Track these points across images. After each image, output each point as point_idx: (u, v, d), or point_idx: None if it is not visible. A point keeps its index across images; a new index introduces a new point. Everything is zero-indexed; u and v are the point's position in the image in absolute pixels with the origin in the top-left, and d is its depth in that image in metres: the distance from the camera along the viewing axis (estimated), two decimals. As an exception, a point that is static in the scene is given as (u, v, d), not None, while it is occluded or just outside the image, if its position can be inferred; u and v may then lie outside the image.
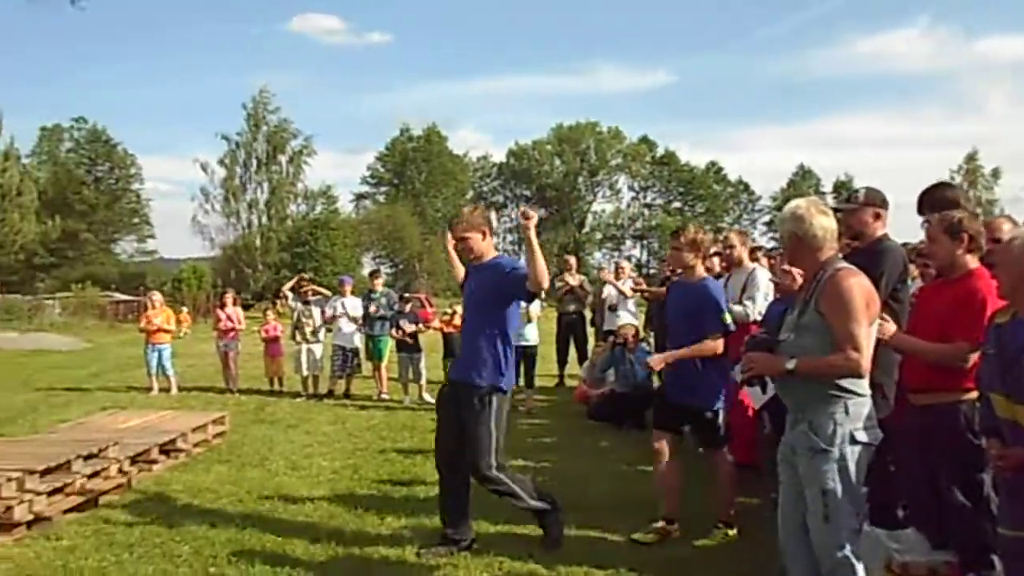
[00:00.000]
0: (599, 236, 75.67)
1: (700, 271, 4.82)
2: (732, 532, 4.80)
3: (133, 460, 6.32)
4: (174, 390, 11.96)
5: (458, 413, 4.48)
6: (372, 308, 11.02)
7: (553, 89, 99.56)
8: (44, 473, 5.16)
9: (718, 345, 4.65)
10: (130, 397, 11.52)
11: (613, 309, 10.65)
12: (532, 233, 4.14)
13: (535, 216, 4.26)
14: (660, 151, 75.59)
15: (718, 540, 4.76)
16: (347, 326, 11.29)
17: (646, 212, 75.59)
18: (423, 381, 10.76)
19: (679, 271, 5.25)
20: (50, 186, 50.26)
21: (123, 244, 63.72)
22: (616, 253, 70.26)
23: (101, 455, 5.84)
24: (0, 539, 4.73)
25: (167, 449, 6.94)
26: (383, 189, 74.70)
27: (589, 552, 4.51)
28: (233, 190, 49.45)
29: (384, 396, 11.03)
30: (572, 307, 11.86)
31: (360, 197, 74.01)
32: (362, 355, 11.58)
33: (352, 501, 5.68)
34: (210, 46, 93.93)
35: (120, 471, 5.99)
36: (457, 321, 10.52)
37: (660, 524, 4.76)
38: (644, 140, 75.76)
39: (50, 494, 5.15)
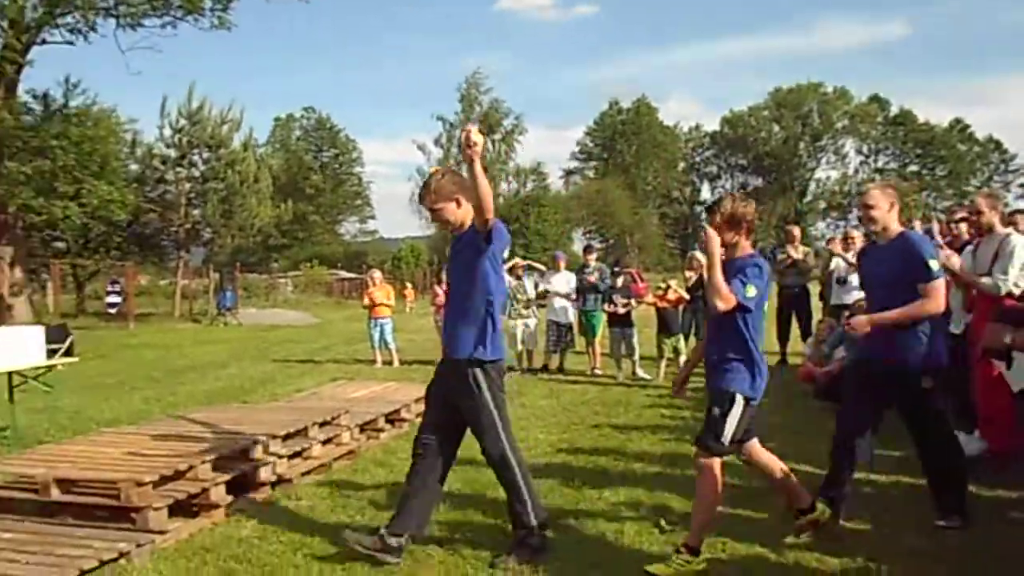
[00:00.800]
0: (822, 205, 71.53)
1: (745, 247, 4.09)
2: (695, 564, 3.87)
3: (362, 428, 6.76)
4: (396, 363, 12.70)
5: (448, 392, 4.23)
6: (589, 279, 11.10)
7: (770, 50, 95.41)
8: (285, 438, 5.63)
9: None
10: (356, 369, 12.36)
11: (842, 282, 9.96)
12: (477, 161, 3.68)
13: (480, 140, 3.73)
14: (893, 110, 69.93)
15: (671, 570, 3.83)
16: (560, 301, 11.43)
17: (877, 177, 70.41)
18: (636, 357, 10.65)
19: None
20: (282, 172, 55.05)
21: (347, 225, 68.77)
22: (842, 223, 66.06)
23: (334, 423, 6.29)
24: (249, 495, 5.21)
25: (392, 418, 7.36)
26: (592, 164, 74.95)
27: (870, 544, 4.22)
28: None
29: (597, 372, 11.05)
30: (794, 280, 11.25)
31: (569, 173, 74.76)
32: (575, 330, 11.68)
33: (570, 475, 5.71)
34: (426, 31, 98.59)
35: (351, 438, 6.42)
36: (672, 296, 10.33)
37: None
38: (874, 99, 70.54)
39: (290, 458, 5.62)
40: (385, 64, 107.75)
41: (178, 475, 4.72)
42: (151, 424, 6.51)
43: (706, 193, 74.80)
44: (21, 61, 22.53)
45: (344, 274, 45.83)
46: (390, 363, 12.72)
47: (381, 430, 7.07)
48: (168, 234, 30.44)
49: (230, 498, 4.98)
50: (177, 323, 25.92)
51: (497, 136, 53.08)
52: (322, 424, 6.11)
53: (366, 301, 13.21)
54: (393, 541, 4.06)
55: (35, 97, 24.14)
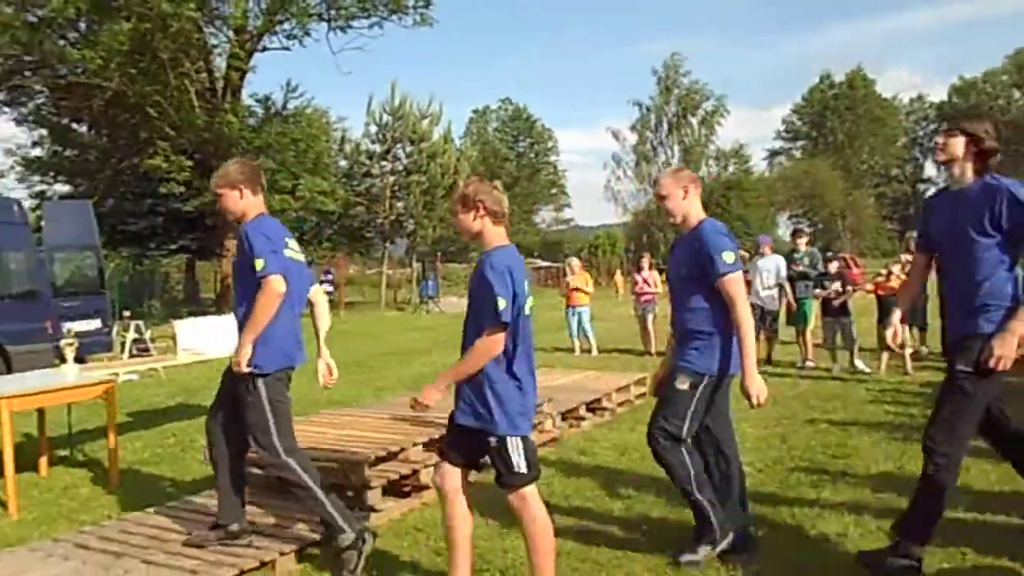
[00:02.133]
0: (1073, 180, 64.08)
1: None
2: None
3: (563, 416, 6.82)
4: (594, 351, 12.73)
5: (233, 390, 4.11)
6: (798, 266, 10.59)
7: (1008, 7, 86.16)
8: (489, 422, 5.78)
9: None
10: (555, 357, 12.51)
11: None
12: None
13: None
14: None
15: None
16: (767, 287, 10.97)
17: None
18: (855, 348, 10.03)
19: None
20: (479, 163, 56.76)
21: (543, 214, 69.83)
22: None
23: (536, 410, 6.37)
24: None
25: (593, 407, 7.37)
26: (800, 143, 71.54)
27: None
28: (644, 155, 51.13)
29: (810, 363, 10.52)
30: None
31: (774, 154, 71.84)
32: (782, 319, 11.18)
33: (783, 471, 5.48)
34: (623, 15, 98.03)
35: (553, 425, 6.50)
36: (894, 282, 9.63)
37: None
38: None
39: (495, 442, 5.76)
40: (580, 52, 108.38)
41: (391, 456, 4.97)
42: (363, 407, 6.92)
43: (930, 170, 69.23)
44: (245, 68, 24.71)
45: (540, 263, 46.60)
46: (589, 351, 12.77)
47: (582, 418, 7.10)
48: (374, 226, 32.26)
49: (439, 480, 5.17)
50: (383, 311, 27.43)
51: (696, 119, 51.81)
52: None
53: (564, 289, 13.34)
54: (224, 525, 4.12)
55: (257, 101, 26.40)
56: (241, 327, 3.99)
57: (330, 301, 26.60)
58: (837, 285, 10.11)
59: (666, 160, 51.10)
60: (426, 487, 5.07)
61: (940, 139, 3.62)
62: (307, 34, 23.82)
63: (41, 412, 6.19)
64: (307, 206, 25.60)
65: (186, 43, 21.55)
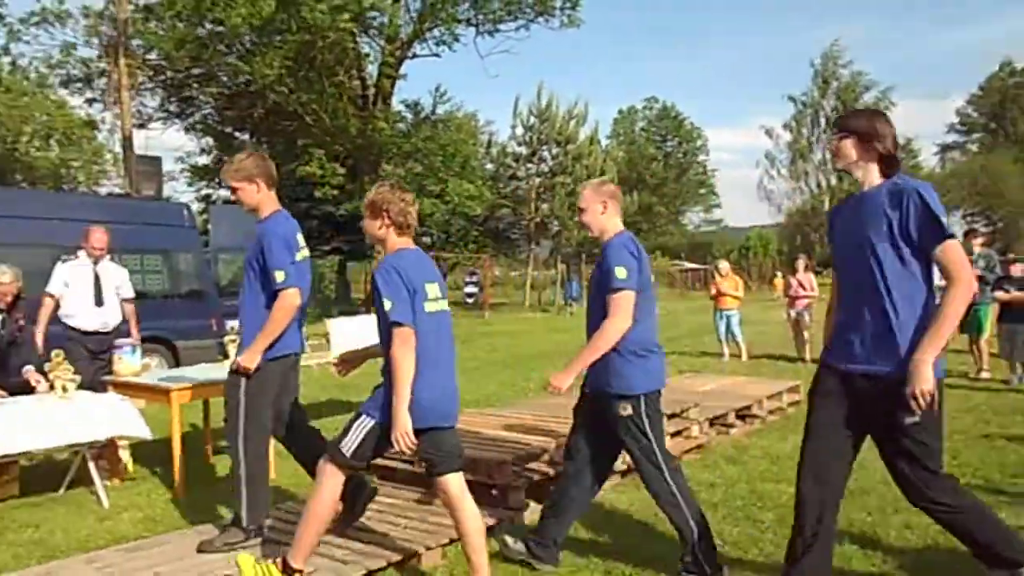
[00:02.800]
0: None
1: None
2: None
3: (711, 422, 6.67)
4: (744, 356, 12.39)
5: None
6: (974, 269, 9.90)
7: None
8: (634, 426, 5.73)
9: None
10: (703, 362, 12.26)
11: None
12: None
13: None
14: None
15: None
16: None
17: None
18: (1038, 359, 9.29)
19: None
20: (625, 164, 56.45)
21: (690, 215, 68.55)
22: None
23: (683, 415, 6.28)
24: (611, 482, 5.36)
25: (743, 414, 7.17)
26: (976, 137, 66.93)
27: None
28: (800, 152, 49.28)
29: (985, 374, 9.82)
30: None
31: (946, 148, 67.52)
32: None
33: (954, 491, 5.13)
34: (776, 8, 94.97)
35: (700, 432, 6.37)
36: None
37: None
38: None
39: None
40: (731, 46, 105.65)
41: (532, 457, 5.02)
42: (508, 408, 7.01)
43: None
44: (395, 75, 25.60)
45: (688, 265, 45.79)
46: (738, 356, 12.44)
47: (731, 425, 6.93)
48: (519, 228, 32.67)
49: (582, 483, 5.18)
50: (527, 312, 27.72)
51: (857, 113, 49.41)
52: (671, 416, 6.13)
53: (712, 292, 13.06)
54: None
55: (407, 107, 27.31)
56: (246, 321, 4.19)
57: (475, 302, 27.34)
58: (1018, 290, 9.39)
59: (823, 158, 49.01)
60: (615, 471, 5.06)
61: (831, 145, 3.35)
62: (456, 39, 24.41)
63: (206, 403, 6.64)
64: (454, 210, 26.25)
65: (342, 53, 22.56)
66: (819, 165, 49.26)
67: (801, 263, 12.81)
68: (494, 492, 4.84)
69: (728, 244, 52.34)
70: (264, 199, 4.24)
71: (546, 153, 30.93)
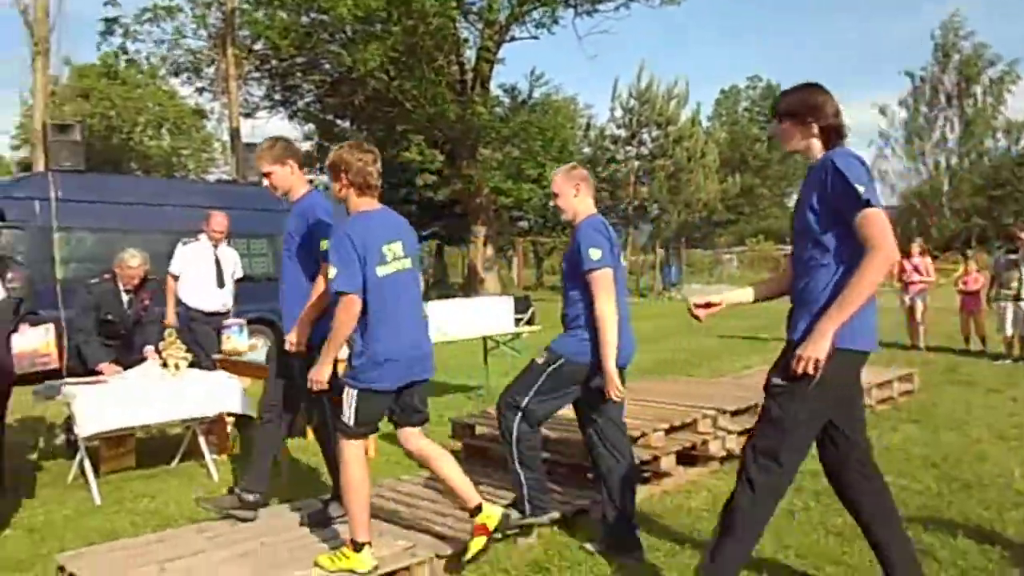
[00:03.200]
0: None
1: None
2: None
3: (815, 411, 6.48)
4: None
5: None
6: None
7: None
8: (734, 414, 5.64)
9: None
10: (808, 349, 11.93)
11: None
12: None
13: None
14: None
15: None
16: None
17: None
18: None
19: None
20: (727, 145, 55.18)
21: (796, 196, 66.54)
22: None
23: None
24: (698, 470, 5.32)
25: (849, 403, 6.94)
26: (1108, 111, 62.62)
27: None
28: (917, 131, 47.13)
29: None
30: None
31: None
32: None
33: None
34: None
35: (803, 420, 6.21)
36: None
37: None
38: None
39: (740, 434, 5.61)
40: (840, 22, 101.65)
41: (631, 441, 4.98)
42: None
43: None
44: (494, 59, 25.69)
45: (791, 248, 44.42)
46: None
47: (837, 414, 6.71)
48: (617, 212, 32.41)
49: (681, 468, 5.14)
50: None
51: (979, 88, 46.83)
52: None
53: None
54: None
55: (504, 91, 27.38)
56: (287, 297, 4.28)
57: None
58: None
59: (942, 136, 46.71)
60: (666, 474, 5.06)
61: (772, 133, 3.34)
62: (556, 21, 24.30)
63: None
64: (551, 195, 26.23)
65: (442, 39, 22.79)
66: (937, 144, 46.96)
67: (916, 247, 12.27)
68: (646, 457, 4.89)
69: (837, 227, 50.47)
70: (296, 181, 4.30)
71: (646, 135, 30.49)
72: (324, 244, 3.94)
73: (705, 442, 5.33)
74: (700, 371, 9.99)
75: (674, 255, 29.52)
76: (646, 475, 5.09)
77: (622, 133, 30.88)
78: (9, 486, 5.29)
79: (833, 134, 3.11)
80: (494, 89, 27.27)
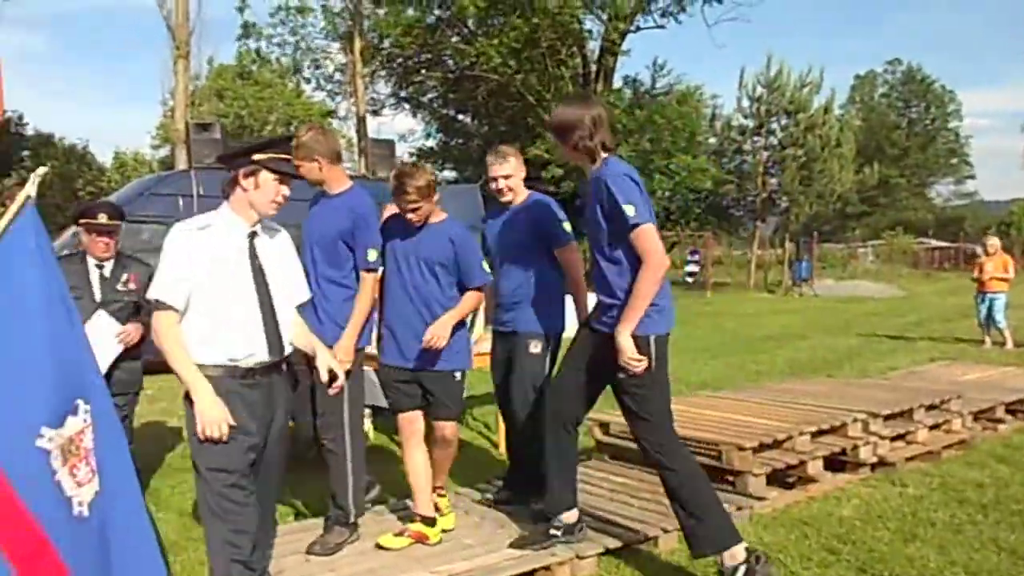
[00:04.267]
0: None
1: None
2: None
3: (976, 416, 6.10)
4: (1009, 344, 11.26)
5: None
6: None
7: None
8: (887, 418, 5.34)
9: None
10: (958, 349, 11.27)
11: None
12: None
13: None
14: None
15: None
16: None
17: None
18: None
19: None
20: (863, 133, 52.87)
21: (938, 187, 63.19)
22: None
23: (943, 407, 5.79)
24: (847, 476, 5.06)
25: (1013, 409, 6.50)
26: None
27: None
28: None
29: None
30: None
31: None
32: None
33: None
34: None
35: (962, 426, 5.83)
36: None
37: None
38: None
39: (892, 439, 5.31)
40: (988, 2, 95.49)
41: (776, 444, 4.80)
42: (742, 391, 6.77)
43: None
44: (618, 51, 25.45)
45: (934, 243, 42.31)
46: (1001, 344, 11.31)
47: (1000, 420, 6.29)
48: (743, 204, 31.53)
49: (828, 474, 4.91)
50: (751, 293, 26.77)
51: None
52: (929, 407, 5.67)
53: (976, 273, 11.92)
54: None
55: (627, 83, 27.05)
56: (331, 297, 3.96)
57: (695, 281, 26.71)
58: None
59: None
60: (812, 479, 4.84)
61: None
62: (683, 9, 23.84)
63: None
64: (679, 186, 25.66)
65: (565, 32, 22.73)
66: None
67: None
68: (730, 478, 4.69)
69: (983, 219, 47.77)
70: (330, 175, 4.06)
71: (775, 125, 29.53)
72: (373, 255, 3.89)
73: (856, 447, 5.06)
74: (842, 371, 9.56)
75: (805, 249, 28.43)
76: (790, 480, 4.89)
77: (750, 123, 30.00)
78: (159, 468, 5.56)
79: (589, 149, 3.46)
80: (617, 81, 27.01)
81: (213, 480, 2.95)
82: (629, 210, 3.29)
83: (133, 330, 4.54)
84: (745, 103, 29.81)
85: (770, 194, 30.03)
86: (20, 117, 27.52)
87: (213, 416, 2.89)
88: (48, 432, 2.29)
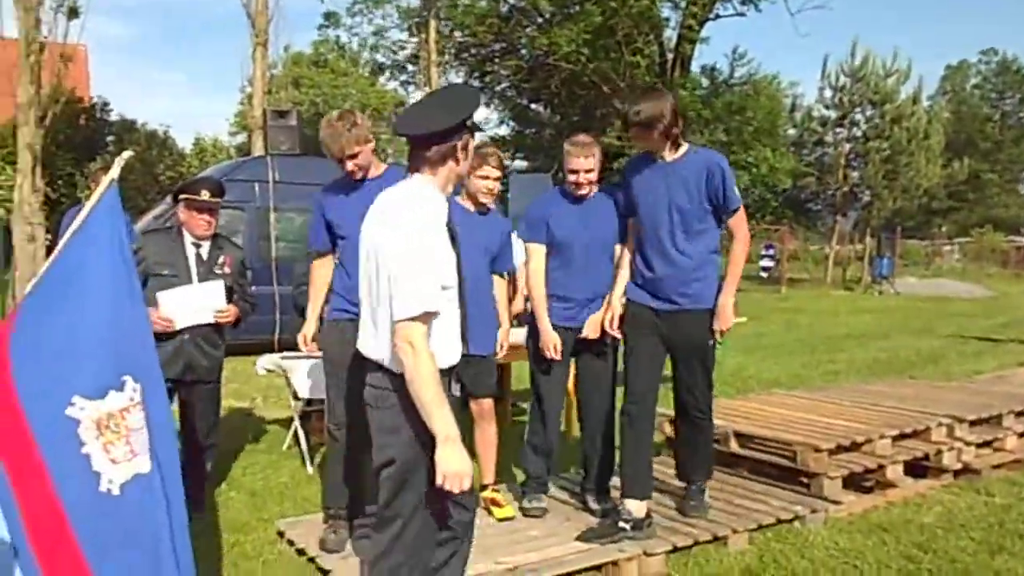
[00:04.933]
0: None
1: None
2: None
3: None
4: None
5: None
6: None
7: None
8: (973, 424, 5.14)
9: None
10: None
11: None
12: None
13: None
14: None
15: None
16: None
17: None
18: None
19: None
20: (952, 126, 50.99)
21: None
22: None
23: (996, 421, 5.53)
24: (928, 482, 4.90)
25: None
26: None
27: None
28: None
29: None
30: None
31: None
32: None
33: None
34: None
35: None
36: None
37: None
38: None
39: (979, 446, 5.11)
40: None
41: (854, 447, 4.67)
42: (818, 390, 6.61)
43: None
44: (696, 39, 25.05)
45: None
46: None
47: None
48: (823, 198, 30.76)
49: (909, 479, 4.76)
50: (828, 289, 26.13)
51: None
52: (1019, 414, 5.44)
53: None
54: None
55: (705, 72, 26.61)
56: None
57: (770, 276, 26.16)
58: None
59: None
60: (892, 484, 4.69)
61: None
62: (766, -4, 23.34)
63: (501, 368, 6.88)
64: (756, 180, 25.15)
65: (641, 21, 22.47)
66: None
67: None
68: (803, 479, 4.58)
69: (1079, 217, 45.64)
70: (373, 158, 3.99)
71: (859, 116, 28.67)
72: None
73: (939, 452, 4.89)
74: (925, 373, 9.25)
75: (886, 245, 27.56)
76: (868, 484, 4.75)
77: (832, 114, 29.20)
78: (231, 448, 5.70)
79: (680, 137, 3.87)
80: (695, 70, 26.58)
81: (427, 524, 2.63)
82: (736, 192, 3.81)
83: (231, 313, 4.40)
84: (828, 93, 29.03)
85: (851, 188, 29.21)
86: (106, 104, 28.37)
87: (461, 470, 2.39)
88: (81, 402, 2.30)
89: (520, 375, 7.56)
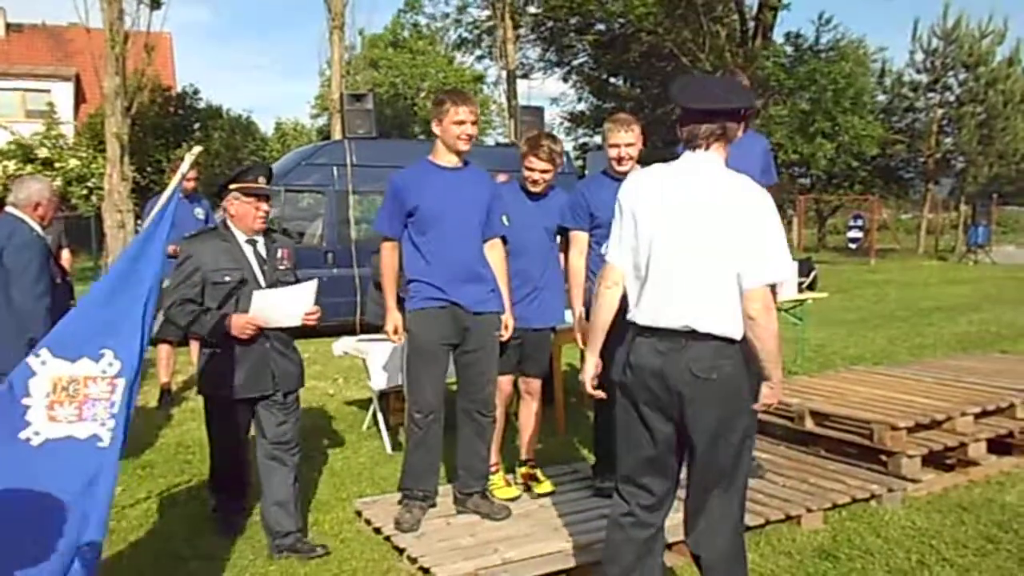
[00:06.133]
0: None
1: None
2: None
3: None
4: None
5: None
6: None
7: None
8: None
9: None
10: None
11: None
12: None
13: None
14: None
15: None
16: None
17: None
18: None
19: None
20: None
21: None
22: None
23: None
24: (1013, 460, 4.78)
25: None
26: None
27: None
28: None
29: None
30: None
31: None
32: None
33: None
34: None
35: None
36: None
37: None
38: None
39: (1067, 424, 4.95)
40: None
41: (934, 424, 4.59)
42: (900, 366, 6.48)
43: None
44: (777, 5, 24.37)
45: None
46: None
47: None
48: (914, 165, 29.71)
49: (992, 457, 4.65)
50: (920, 260, 25.30)
51: None
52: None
53: None
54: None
55: (788, 39, 25.85)
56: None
57: (859, 247, 25.42)
58: None
59: None
60: (973, 462, 4.59)
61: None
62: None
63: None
64: (840, 149, 24.37)
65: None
66: None
67: None
68: (882, 457, 4.51)
69: None
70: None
71: (952, 80, 27.53)
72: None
73: (1024, 431, 4.77)
74: (1016, 349, 8.92)
75: (982, 213, 26.46)
76: (949, 461, 4.66)
77: (923, 78, 28.13)
78: (314, 428, 5.91)
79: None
80: (777, 37, 25.86)
81: None
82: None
83: (317, 313, 3.84)
84: (919, 57, 27.96)
85: (944, 154, 28.12)
86: (195, 91, 29.18)
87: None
88: (47, 356, 2.44)
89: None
